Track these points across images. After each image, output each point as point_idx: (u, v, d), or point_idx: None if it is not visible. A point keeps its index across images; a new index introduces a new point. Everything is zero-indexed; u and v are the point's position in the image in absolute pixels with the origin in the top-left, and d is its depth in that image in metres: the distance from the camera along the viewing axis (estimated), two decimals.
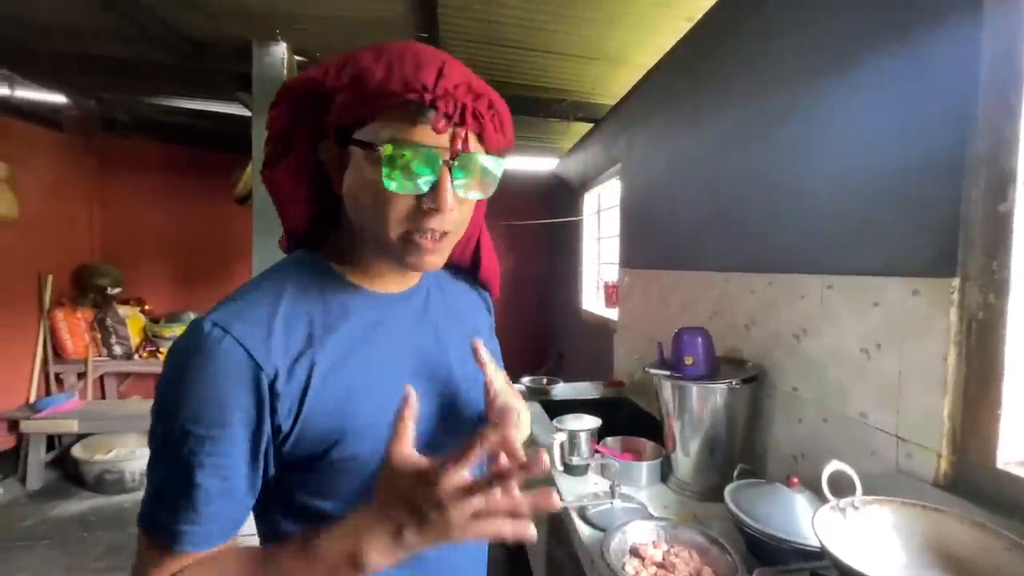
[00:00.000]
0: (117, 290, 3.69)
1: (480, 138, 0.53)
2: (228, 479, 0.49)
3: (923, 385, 0.90)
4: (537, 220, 4.30)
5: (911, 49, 0.95)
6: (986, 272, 0.84)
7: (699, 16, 1.86)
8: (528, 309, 4.76)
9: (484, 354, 0.64)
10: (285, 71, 2.50)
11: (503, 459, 0.45)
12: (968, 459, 0.87)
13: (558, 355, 4.27)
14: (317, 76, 0.54)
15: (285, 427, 0.51)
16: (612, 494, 1.23)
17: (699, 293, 1.74)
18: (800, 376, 1.22)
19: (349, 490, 0.55)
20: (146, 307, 3.81)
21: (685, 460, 1.35)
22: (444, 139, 0.50)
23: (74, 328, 3.42)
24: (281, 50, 2.50)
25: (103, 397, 3.74)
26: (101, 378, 3.68)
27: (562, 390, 2.38)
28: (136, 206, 3.95)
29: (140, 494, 2.31)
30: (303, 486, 0.56)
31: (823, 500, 0.96)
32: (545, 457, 0.45)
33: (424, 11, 2.18)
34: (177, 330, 3.64)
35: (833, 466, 0.86)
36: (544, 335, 4.84)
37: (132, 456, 3.07)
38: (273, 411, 0.50)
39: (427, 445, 0.58)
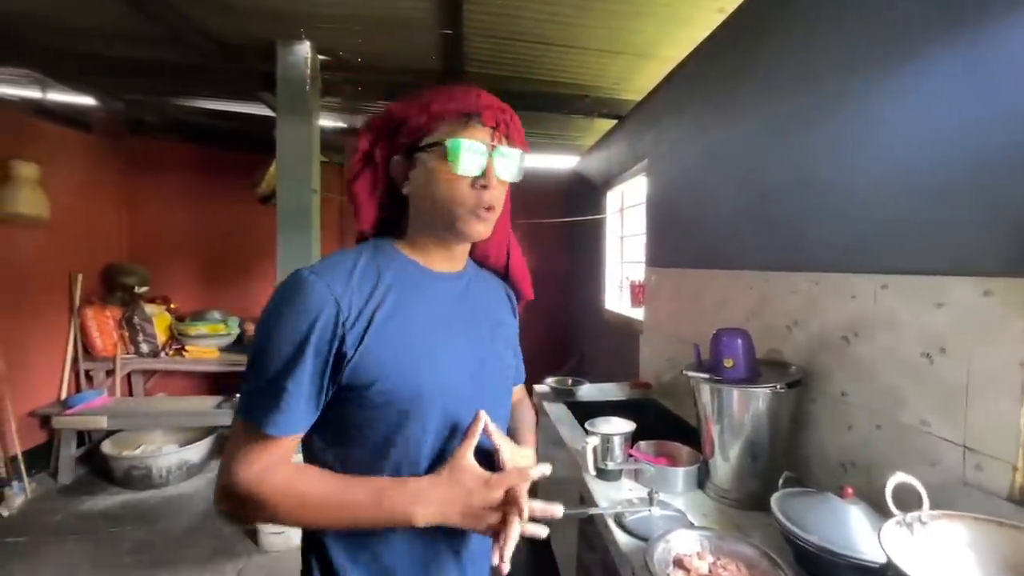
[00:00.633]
0: (144, 289, 3.75)
1: (507, 139, 0.74)
2: (303, 384, 0.65)
3: (996, 392, 0.84)
4: (558, 219, 4.26)
5: (985, 33, 0.88)
6: None
7: (732, 7, 1.80)
8: (549, 309, 4.71)
9: (491, 427, 0.74)
10: (308, 70, 2.50)
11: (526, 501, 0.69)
12: None
13: (580, 355, 4.22)
14: (393, 110, 0.75)
15: (349, 354, 0.66)
16: (650, 501, 1.19)
17: (734, 293, 1.69)
18: (850, 381, 1.16)
19: (380, 424, 0.70)
20: (172, 305, 3.87)
21: (724, 466, 1.30)
22: (487, 137, 0.71)
23: (103, 326, 3.48)
24: (305, 49, 2.49)
25: (130, 394, 3.80)
26: (128, 375, 3.74)
27: (587, 391, 2.33)
28: (162, 206, 4.01)
29: (169, 490, 2.33)
30: (347, 416, 0.70)
31: (882, 513, 0.91)
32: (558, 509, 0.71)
33: (449, 8, 2.15)
34: (202, 328, 3.69)
35: (898, 478, 0.81)
36: (565, 335, 4.80)
37: (159, 453, 3.11)
38: (342, 341, 0.66)
39: (457, 398, 0.74)
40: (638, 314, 2.80)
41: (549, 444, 2.03)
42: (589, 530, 1.42)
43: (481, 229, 0.73)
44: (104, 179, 3.72)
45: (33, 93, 3.37)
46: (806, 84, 1.36)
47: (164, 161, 4.00)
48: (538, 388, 2.34)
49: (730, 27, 1.82)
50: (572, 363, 4.17)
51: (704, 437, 1.35)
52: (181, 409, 3.31)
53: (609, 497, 1.31)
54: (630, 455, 1.42)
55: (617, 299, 3.55)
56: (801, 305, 1.35)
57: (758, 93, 1.59)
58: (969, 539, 0.76)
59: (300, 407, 0.66)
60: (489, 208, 0.72)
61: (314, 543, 0.73)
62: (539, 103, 3.12)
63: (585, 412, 1.80)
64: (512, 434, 0.89)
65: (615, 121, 3.23)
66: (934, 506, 0.81)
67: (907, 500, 0.83)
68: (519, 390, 1.01)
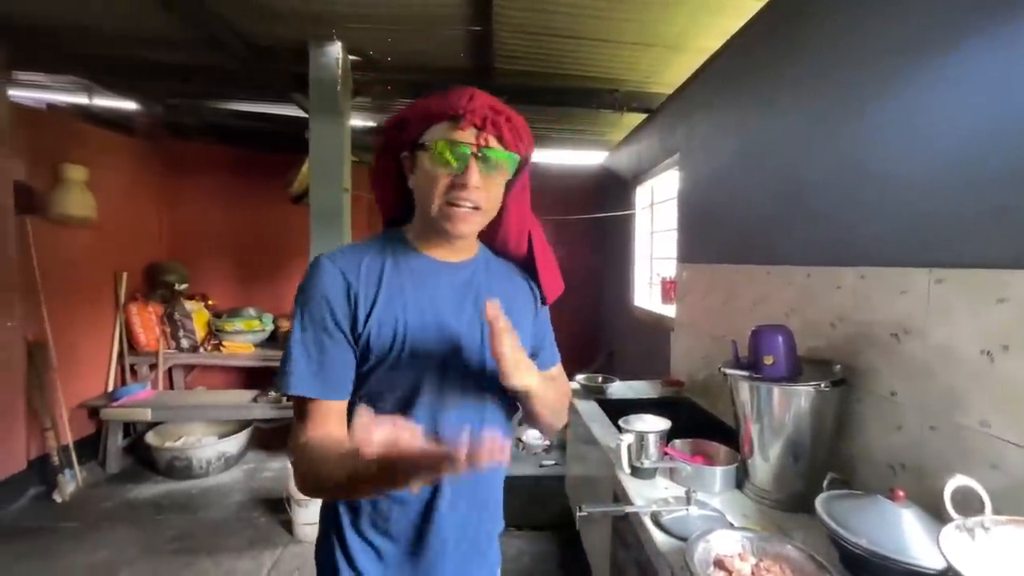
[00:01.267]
0: (184, 286, 3.88)
1: (500, 140, 0.76)
2: (328, 352, 0.75)
3: None
4: (585, 215, 4.22)
5: None
6: None
7: None
8: (576, 306, 4.65)
9: (492, 312, 0.72)
10: (340, 71, 2.54)
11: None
12: None
13: (608, 353, 4.18)
14: (400, 113, 0.81)
15: (359, 328, 0.76)
16: (688, 500, 1.17)
17: (773, 289, 1.64)
18: (900, 379, 1.12)
19: (387, 398, 0.78)
20: (210, 302, 3.99)
21: (764, 466, 1.27)
22: (471, 138, 0.74)
23: (146, 322, 3.62)
24: (336, 50, 2.53)
25: (171, 387, 3.95)
26: (170, 369, 3.88)
27: (618, 389, 2.31)
28: (199, 206, 4.15)
29: (209, 481, 2.40)
30: (367, 383, 0.79)
31: (937, 517, 0.87)
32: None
33: (479, 4, 2.15)
34: (238, 324, 3.80)
35: (957, 481, 0.77)
36: (593, 333, 4.76)
37: (199, 444, 3.22)
38: (356, 314, 0.76)
39: (451, 382, 0.80)
40: (669, 311, 2.75)
41: (581, 442, 2.02)
42: (623, 528, 1.40)
43: (462, 227, 0.77)
44: (145, 180, 3.86)
45: (81, 99, 3.53)
46: (850, 71, 1.31)
47: (201, 162, 4.13)
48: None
49: (767, 14, 1.77)
50: (601, 361, 4.13)
51: (742, 436, 1.32)
52: (219, 402, 3.42)
53: (644, 495, 1.29)
54: (665, 453, 1.40)
55: (647, 296, 3.50)
56: (845, 301, 1.30)
57: (798, 82, 1.54)
58: None
59: (333, 374, 0.75)
60: (474, 208, 0.76)
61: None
62: (568, 98, 3.09)
63: (616, 410, 1.78)
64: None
65: (645, 115, 3.18)
66: (996, 510, 0.77)
67: (965, 504, 0.80)
68: (554, 371, 1.00)
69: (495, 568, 0.95)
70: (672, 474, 1.39)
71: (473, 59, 2.72)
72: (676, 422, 1.49)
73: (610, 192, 4.20)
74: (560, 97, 3.08)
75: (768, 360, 1.25)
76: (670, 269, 2.85)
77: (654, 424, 1.42)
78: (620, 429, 1.46)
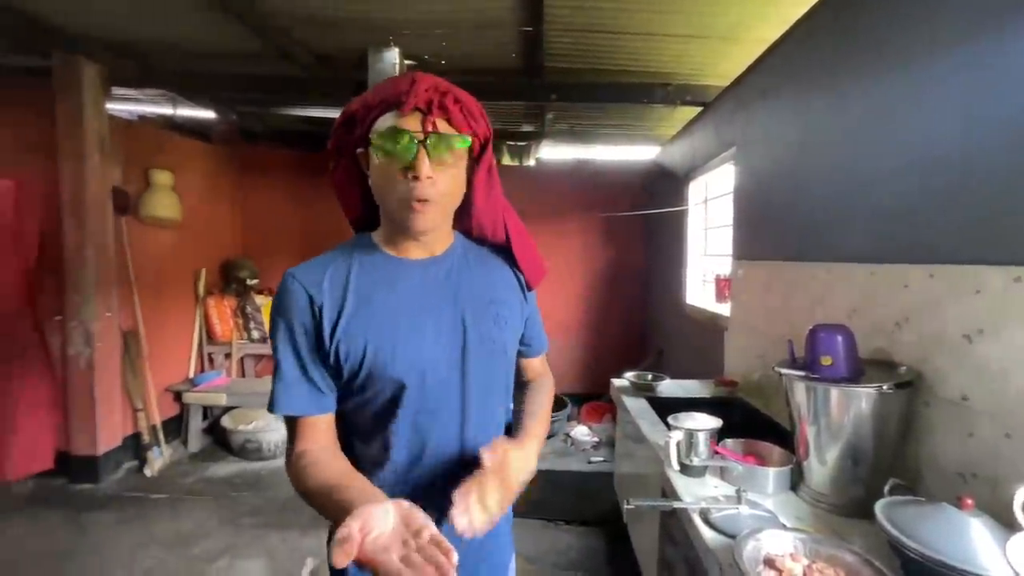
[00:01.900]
0: (255, 281, 4.17)
1: (450, 123, 0.71)
2: (308, 369, 0.74)
3: None
4: (636, 211, 4.17)
5: None
6: None
7: None
8: (625, 304, 4.63)
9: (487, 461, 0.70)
10: (397, 74, 2.65)
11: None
12: None
13: (658, 352, 4.11)
14: (349, 108, 0.76)
15: (327, 343, 0.73)
16: (738, 499, 1.16)
17: (834, 287, 1.58)
18: (972, 383, 1.06)
19: (367, 408, 0.77)
20: None
21: (820, 469, 1.24)
22: (417, 124, 0.68)
23: (222, 315, 3.93)
24: (393, 55, 2.65)
25: (243, 375, 4.26)
26: (242, 359, 4.20)
27: (668, 387, 2.28)
28: (269, 206, 4.45)
29: (276, 462, 2.60)
30: (346, 399, 0.78)
31: (1010, 527, 0.83)
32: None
33: (530, 5, 2.19)
34: None
35: None
36: (642, 331, 4.69)
37: (268, 428, 3.46)
38: (321, 327, 0.73)
39: (432, 380, 0.76)
40: (723, 310, 2.69)
41: (629, 439, 2.03)
42: (671, 525, 1.40)
43: (418, 221, 0.71)
44: (221, 183, 4.19)
45: (166, 110, 3.88)
46: (919, 59, 1.24)
47: (269, 165, 4.42)
48: (616, 383, 2.33)
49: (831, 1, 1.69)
50: (650, 360, 4.07)
51: (798, 438, 1.29)
52: None
53: (693, 493, 1.29)
54: (716, 452, 1.39)
55: (700, 294, 3.42)
56: (913, 301, 1.24)
57: (866, 68, 1.47)
58: None
59: (315, 387, 0.74)
60: (422, 200, 0.69)
61: None
62: (618, 94, 3.07)
63: (666, 408, 1.77)
64: (515, 418, 0.90)
65: (699, 109, 3.11)
66: None
67: None
68: (538, 363, 1.00)
69: None
70: (723, 473, 1.37)
71: (524, 59, 2.76)
72: (728, 422, 1.47)
73: (662, 188, 4.12)
74: (611, 92, 3.06)
75: (826, 361, 1.22)
76: (724, 267, 2.78)
77: (704, 422, 1.41)
78: (669, 427, 1.46)
